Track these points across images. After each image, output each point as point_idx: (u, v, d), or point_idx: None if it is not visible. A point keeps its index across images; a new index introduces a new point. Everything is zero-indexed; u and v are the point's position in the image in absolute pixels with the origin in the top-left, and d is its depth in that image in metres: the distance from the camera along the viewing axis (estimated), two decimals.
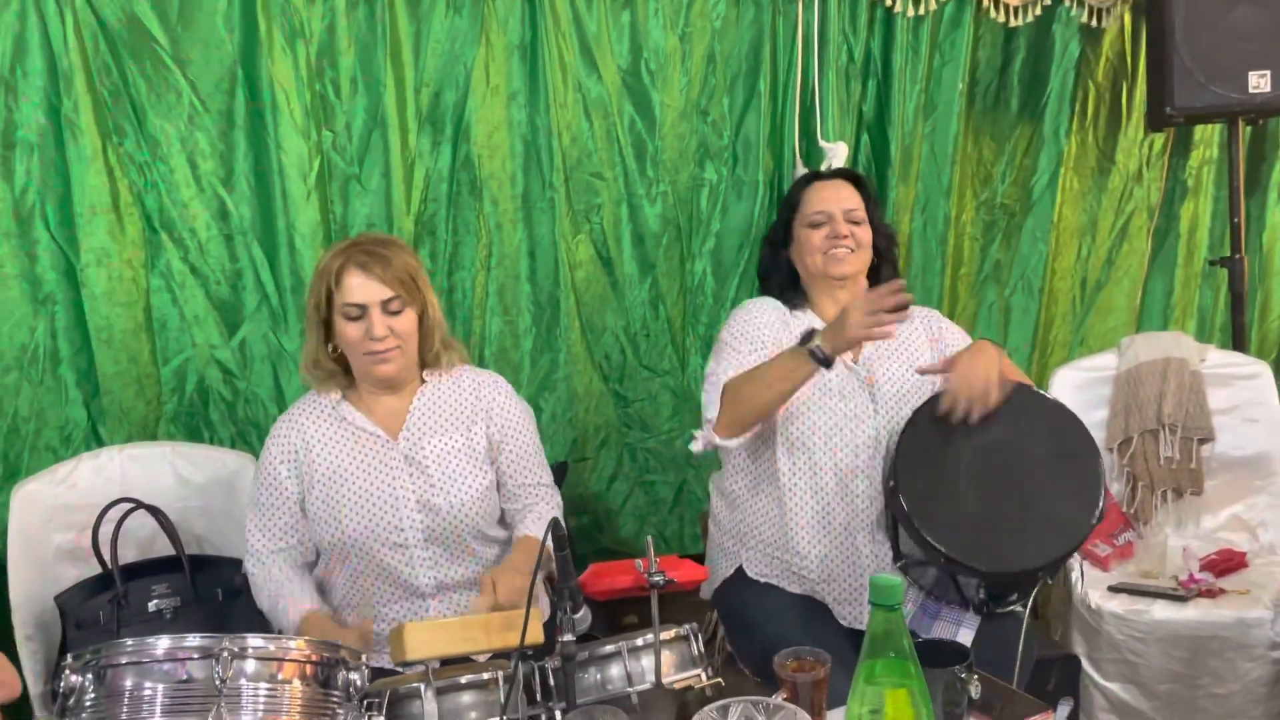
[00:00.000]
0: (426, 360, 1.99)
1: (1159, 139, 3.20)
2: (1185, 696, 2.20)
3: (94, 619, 1.92)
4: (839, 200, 2.16)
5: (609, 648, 1.54)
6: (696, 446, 2.09)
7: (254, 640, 1.29)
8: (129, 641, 1.28)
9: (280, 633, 1.84)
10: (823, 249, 2.13)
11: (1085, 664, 2.28)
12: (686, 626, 1.60)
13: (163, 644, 1.27)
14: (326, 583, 1.97)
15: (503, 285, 2.69)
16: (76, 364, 2.34)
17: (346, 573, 1.93)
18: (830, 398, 2.04)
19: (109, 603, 1.93)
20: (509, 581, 1.73)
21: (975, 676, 1.38)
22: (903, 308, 1.80)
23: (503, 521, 2.04)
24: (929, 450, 1.85)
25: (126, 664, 1.27)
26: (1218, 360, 2.54)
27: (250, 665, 1.29)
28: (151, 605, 1.96)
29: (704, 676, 1.56)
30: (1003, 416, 1.85)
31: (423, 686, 1.44)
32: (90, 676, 1.28)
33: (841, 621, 2.04)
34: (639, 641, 1.54)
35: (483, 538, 1.97)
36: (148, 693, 1.25)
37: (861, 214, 2.17)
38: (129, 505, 2.03)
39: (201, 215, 2.38)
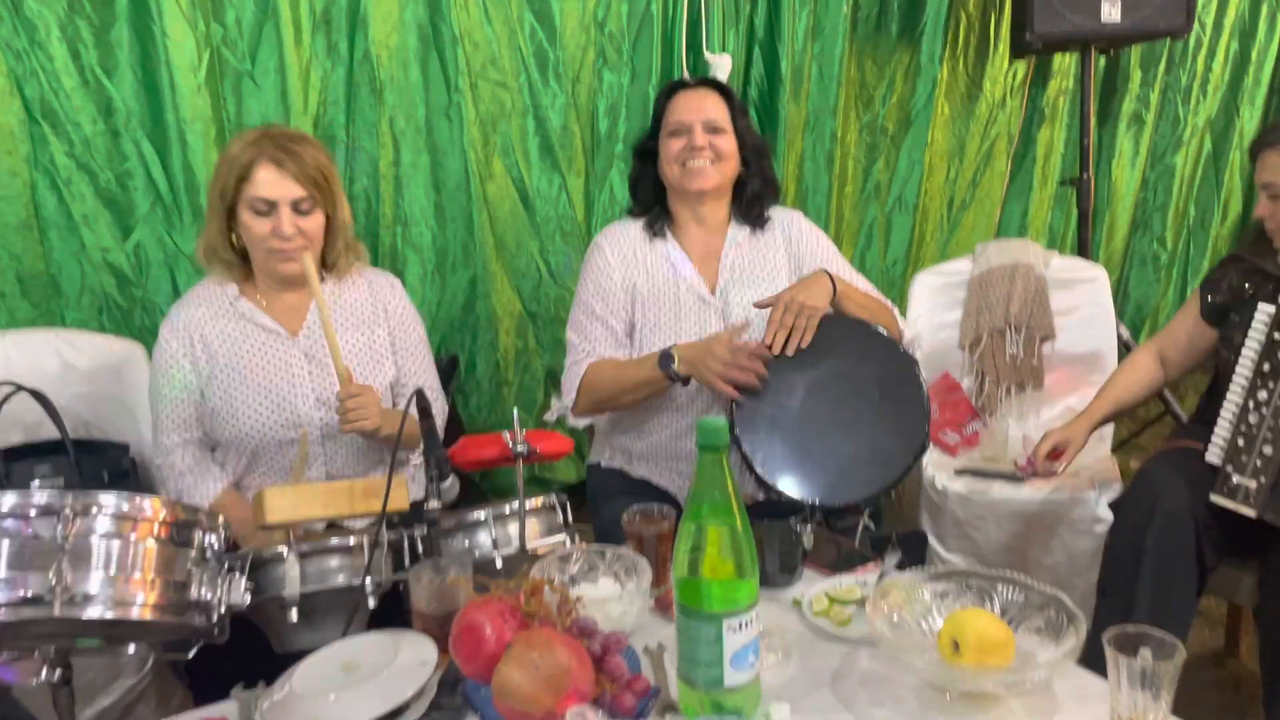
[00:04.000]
0: (328, 262, 1.85)
1: (1021, 68, 3.19)
2: (1018, 565, 2.20)
3: None
4: (700, 110, 1.93)
5: (477, 515, 1.48)
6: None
7: (102, 497, 1.19)
8: None
9: None
10: (680, 159, 1.93)
11: (931, 539, 2.32)
12: (554, 495, 1.55)
13: (8, 500, 1.16)
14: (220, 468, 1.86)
15: (411, 197, 2.53)
16: None
17: (241, 462, 1.82)
18: (685, 324, 1.93)
19: None
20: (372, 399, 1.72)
21: (809, 528, 1.35)
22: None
23: None
24: (766, 382, 1.74)
25: None
26: (1060, 265, 2.55)
27: (101, 523, 1.19)
28: (34, 486, 1.83)
29: (568, 543, 1.51)
30: (838, 352, 1.76)
31: (284, 549, 1.36)
32: None
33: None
34: (505, 509, 1.49)
35: (376, 433, 1.86)
36: None
37: (723, 123, 1.93)
38: (10, 389, 1.88)
39: (86, 108, 2.19)
